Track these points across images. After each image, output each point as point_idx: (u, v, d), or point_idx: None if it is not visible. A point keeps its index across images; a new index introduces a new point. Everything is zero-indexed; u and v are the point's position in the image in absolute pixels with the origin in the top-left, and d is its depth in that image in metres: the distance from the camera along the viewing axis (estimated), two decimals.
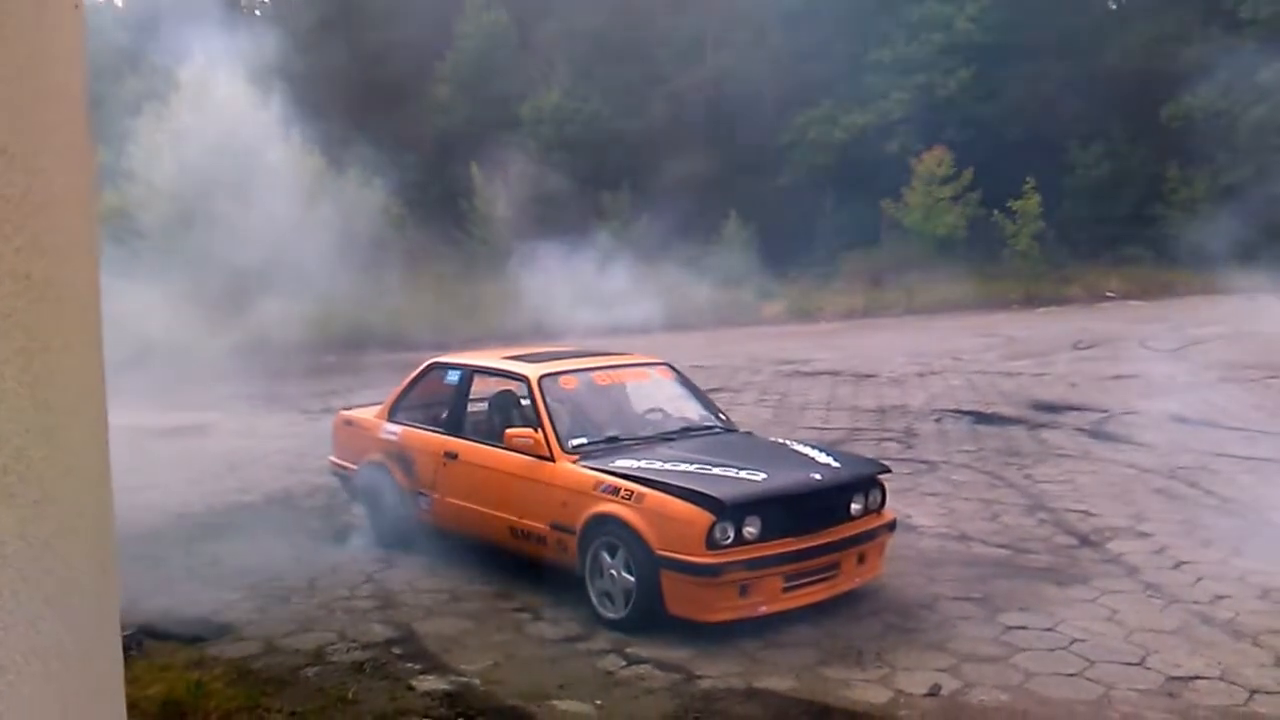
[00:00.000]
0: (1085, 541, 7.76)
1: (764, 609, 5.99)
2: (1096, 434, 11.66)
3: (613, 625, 6.14)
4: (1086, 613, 6.32)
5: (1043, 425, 12.23)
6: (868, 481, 6.65)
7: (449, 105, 38.81)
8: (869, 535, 6.54)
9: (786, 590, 6.08)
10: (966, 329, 22.70)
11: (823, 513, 6.30)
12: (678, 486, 6.06)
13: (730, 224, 32.47)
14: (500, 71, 38.60)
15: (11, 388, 1.57)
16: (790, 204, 35.04)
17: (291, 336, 17.25)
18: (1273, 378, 14.94)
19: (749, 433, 7.93)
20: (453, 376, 7.93)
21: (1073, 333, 20.96)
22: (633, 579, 6.06)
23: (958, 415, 12.94)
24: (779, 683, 5.39)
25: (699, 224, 31.42)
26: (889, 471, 7.04)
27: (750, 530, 5.95)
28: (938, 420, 12.69)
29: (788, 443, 7.56)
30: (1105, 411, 12.92)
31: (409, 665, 5.72)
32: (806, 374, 16.96)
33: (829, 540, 6.24)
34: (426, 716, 5.02)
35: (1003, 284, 29.43)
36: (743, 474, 6.26)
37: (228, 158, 20.44)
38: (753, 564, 5.92)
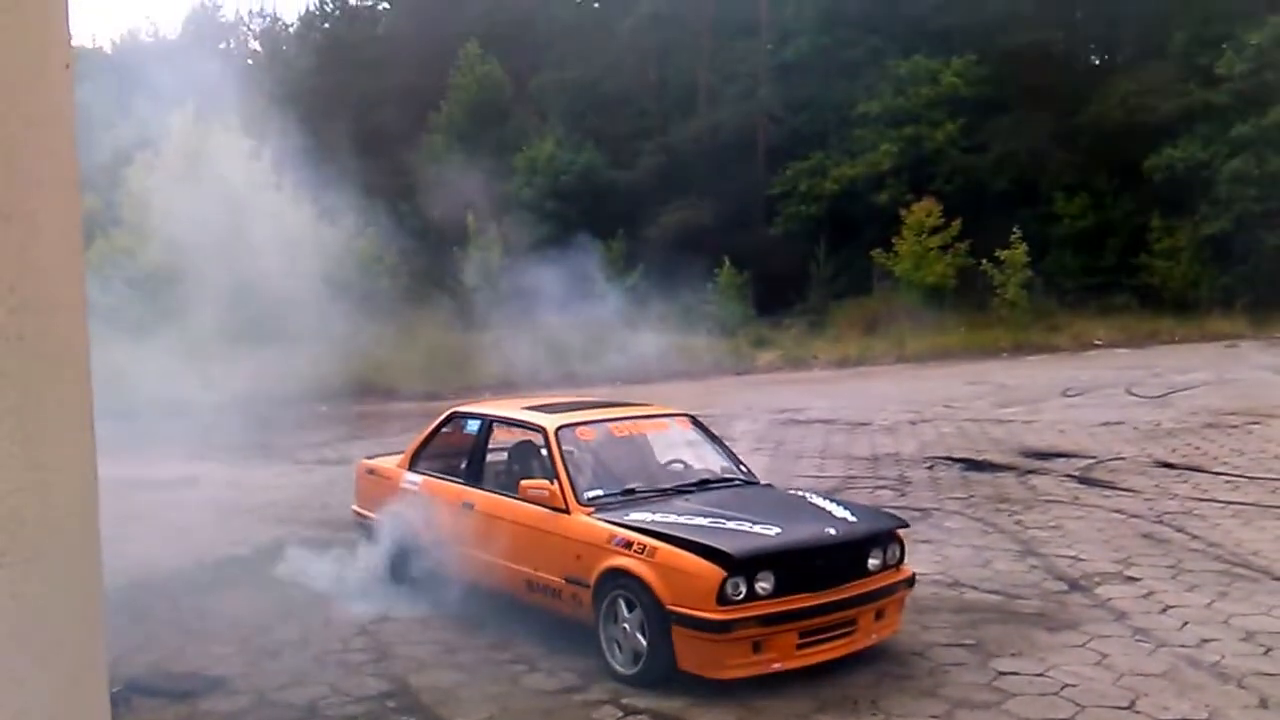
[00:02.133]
0: (1075, 586, 7.80)
1: (778, 665, 5.86)
2: (1085, 480, 11.71)
3: (625, 680, 6.05)
4: (1077, 657, 6.35)
5: (1032, 471, 12.28)
6: (885, 536, 6.50)
7: (443, 154, 39.10)
8: (887, 591, 6.39)
9: (801, 647, 5.95)
10: (957, 377, 22.79)
11: (839, 568, 6.15)
12: (690, 540, 5.96)
13: (724, 273, 32.65)
14: (494, 121, 38.93)
15: (5, 447, 1.58)
16: (782, 253, 35.30)
17: (283, 387, 17.22)
18: (1254, 423, 15.04)
19: (769, 485, 7.72)
20: (472, 426, 7.90)
21: (1061, 380, 21.04)
22: (645, 634, 5.97)
23: (949, 462, 12.98)
24: None
25: (693, 273, 31.59)
26: (907, 526, 6.86)
27: (763, 586, 5.83)
28: (930, 467, 12.73)
29: (807, 495, 7.39)
30: (1093, 458, 12.98)
31: (403, 719, 5.70)
32: (801, 422, 17.01)
33: (845, 596, 6.10)
34: None
35: (992, 332, 29.58)
36: (756, 528, 6.14)
37: (218, 207, 20.47)
38: (765, 620, 5.80)
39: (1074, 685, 5.91)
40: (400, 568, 7.86)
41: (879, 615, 6.36)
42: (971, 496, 11.07)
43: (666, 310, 29.20)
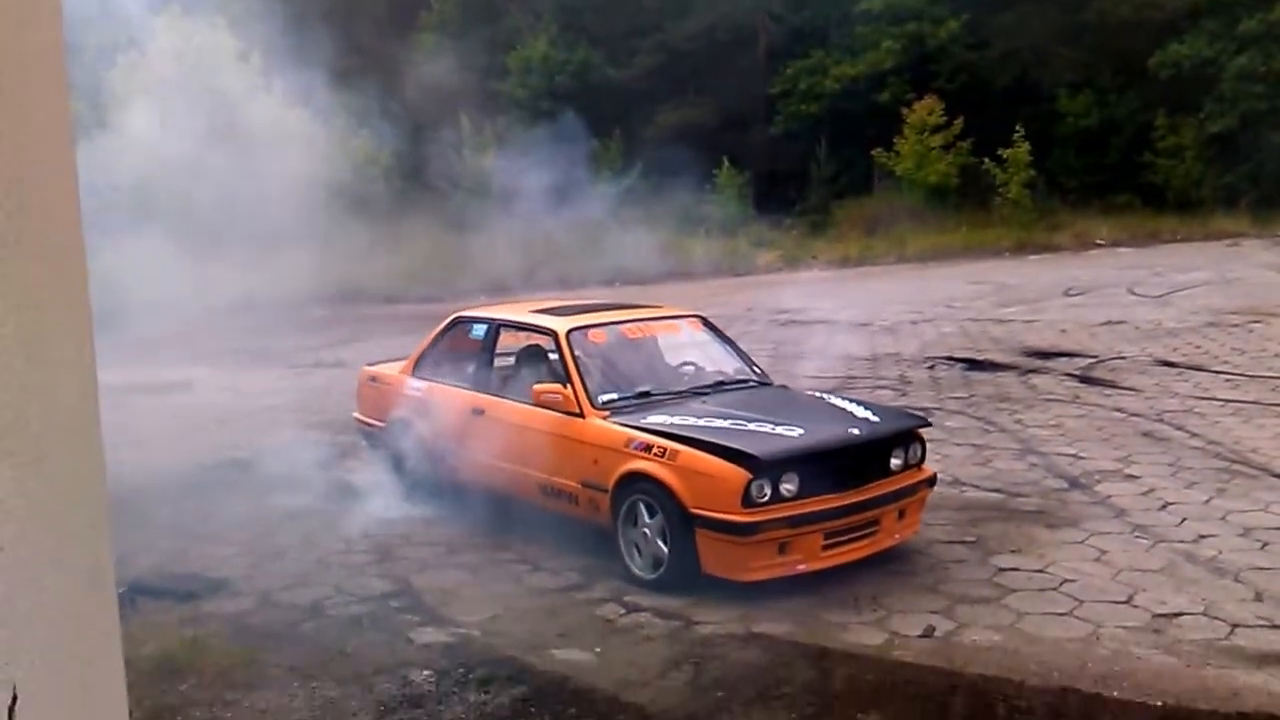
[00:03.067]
0: (1075, 484, 7.84)
1: (803, 567, 5.85)
2: (1085, 379, 11.72)
3: (647, 585, 6.02)
4: (1076, 554, 6.41)
5: (1033, 371, 12.29)
6: (907, 436, 6.46)
7: (435, 55, 38.46)
8: (909, 490, 6.38)
9: (826, 548, 5.94)
10: (959, 276, 22.72)
11: (862, 468, 6.12)
12: (713, 443, 5.89)
13: (723, 173, 32.33)
14: (487, 19, 38.25)
15: (8, 347, 1.58)
16: (782, 154, 34.91)
17: (277, 291, 17.10)
18: (1255, 322, 15.02)
19: (784, 386, 7.66)
20: (478, 331, 7.75)
21: (1063, 280, 20.98)
22: (666, 539, 5.93)
23: (950, 362, 12.99)
24: (776, 627, 5.45)
25: (692, 173, 31.29)
26: (929, 424, 6.85)
27: (788, 487, 5.79)
28: (930, 367, 12.73)
29: (825, 396, 7.36)
30: (1094, 357, 12.98)
31: (407, 618, 5.75)
32: (801, 323, 16.98)
33: (869, 496, 6.08)
34: (426, 668, 5.06)
35: (994, 232, 29.40)
36: (779, 429, 6.07)
37: (206, 109, 20.15)
38: (791, 521, 5.76)
39: (1073, 581, 5.98)
40: (403, 474, 7.84)
41: (901, 515, 6.35)
42: (972, 396, 11.09)
43: (664, 211, 28.99)
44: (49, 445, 1.67)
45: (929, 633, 5.36)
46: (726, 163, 32.28)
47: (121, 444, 8.24)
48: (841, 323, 16.73)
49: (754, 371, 7.47)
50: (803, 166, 34.66)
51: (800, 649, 5.22)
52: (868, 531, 6.14)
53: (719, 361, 7.52)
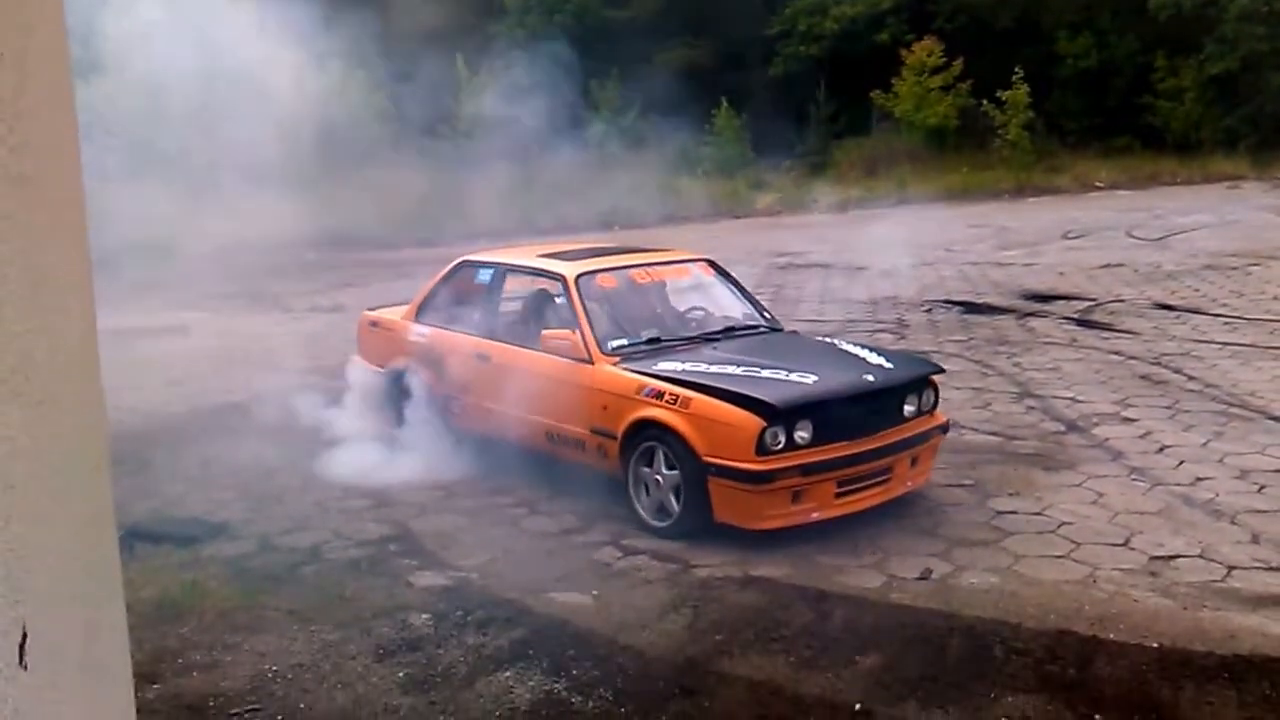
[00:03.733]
0: (1072, 427, 7.86)
1: (816, 515, 5.81)
2: (1083, 322, 11.72)
3: (659, 533, 5.97)
4: (1073, 496, 6.44)
5: (1032, 314, 12.29)
6: (920, 382, 6.39)
7: None
8: (922, 438, 6.31)
9: (839, 496, 5.90)
10: (958, 219, 22.63)
11: (875, 415, 6.05)
12: (726, 390, 5.82)
13: (722, 115, 32.08)
14: None
15: (13, 289, 1.58)
16: (781, 95, 34.62)
17: (271, 234, 16.98)
18: (1254, 265, 15.00)
19: (795, 332, 7.56)
20: (484, 275, 7.60)
21: (1062, 222, 20.92)
22: (679, 487, 5.88)
23: (949, 305, 12.97)
24: (774, 570, 5.48)
25: (690, 115, 31.03)
26: (942, 371, 6.78)
27: (802, 435, 5.73)
28: (929, 311, 12.72)
29: (837, 342, 7.24)
30: (1092, 300, 12.98)
31: (406, 562, 5.77)
32: (800, 266, 16.95)
33: (882, 444, 6.01)
34: (425, 611, 5.09)
35: (993, 174, 29.23)
36: (793, 376, 5.99)
37: (200, 49, 19.93)
38: (805, 469, 5.71)
39: (1070, 523, 6.01)
40: (403, 419, 7.74)
41: (914, 462, 6.30)
42: (970, 339, 11.08)
43: (663, 152, 28.77)
44: (53, 387, 1.67)
45: (926, 575, 5.39)
46: (725, 104, 32.03)
47: (119, 388, 8.24)
48: (840, 266, 16.69)
49: (764, 317, 7.38)
50: (801, 108, 34.40)
51: (798, 591, 5.24)
52: (881, 479, 6.08)
53: (729, 306, 7.42)
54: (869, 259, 16.99)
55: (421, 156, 25.93)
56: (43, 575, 1.64)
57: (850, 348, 6.89)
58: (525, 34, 35.16)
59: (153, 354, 11.08)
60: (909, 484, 6.33)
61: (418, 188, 23.43)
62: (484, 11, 35.04)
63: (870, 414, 6.03)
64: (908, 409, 6.23)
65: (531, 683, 4.41)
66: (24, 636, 1.59)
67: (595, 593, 5.29)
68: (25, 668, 1.59)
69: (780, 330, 7.30)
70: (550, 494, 6.71)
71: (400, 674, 4.51)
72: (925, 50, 31.78)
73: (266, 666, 4.60)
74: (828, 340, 7.42)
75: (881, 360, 6.50)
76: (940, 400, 6.59)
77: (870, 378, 6.18)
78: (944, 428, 6.59)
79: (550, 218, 22.09)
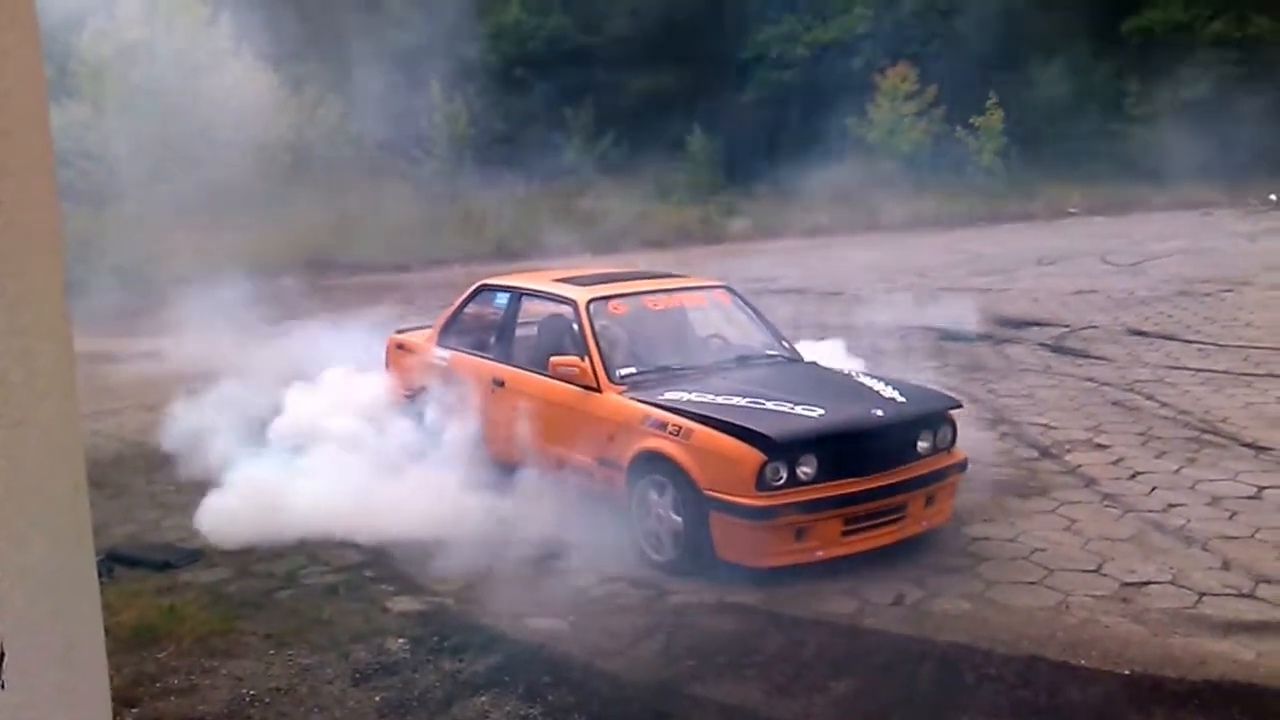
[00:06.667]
0: (1046, 454, 7.91)
1: (821, 554, 5.61)
2: (1057, 348, 11.81)
3: (660, 569, 5.81)
4: (1046, 523, 6.48)
5: (1006, 340, 12.37)
6: (936, 418, 6.15)
7: (406, 21, 38.09)
8: (937, 475, 6.04)
9: (846, 534, 5.69)
10: (932, 245, 22.78)
11: (886, 451, 5.82)
12: (727, 422, 5.64)
13: (695, 141, 32.26)
14: None
15: None
16: (754, 120, 34.86)
17: (246, 259, 16.90)
18: (1227, 291, 15.16)
19: (813, 362, 7.22)
20: (501, 299, 7.54)
21: (1036, 248, 21.09)
22: (680, 521, 5.72)
23: (923, 331, 13.04)
24: (748, 596, 5.48)
25: (663, 140, 31.19)
26: (960, 406, 6.48)
27: (805, 470, 5.55)
28: (903, 337, 12.78)
29: (853, 374, 6.97)
30: (1066, 326, 13.08)
31: (383, 587, 5.76)
32: (774, 291, 16.98)
33: (893, 481, 5.78)
34: (401, 636, 5.07)
35: (967, 200, 29.48)
36: (799, 409, 5.80)
37: (176, 75, 19.89)
38: (808, 506, 5.52)
39: (1043, 550, 6.04)
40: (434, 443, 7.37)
41: (929, 501, 6.06)
42: (945, 365, 11.14)
43: (637, 178, 28.83)
44: (30, 410, 1.68)
45: (899, 601, 5.40)
46: (698, 130, 32.22)
47: (94, 414, 8.20)
48: (814, 291, 16.76)
49: (782, 346, 7.23)
50: (775, 134, 34.63)
51: (772, 617, 5.25)
52: (893, 518, 5.87)
53: (746, 334, 7.30)
54: (842, 284, 17.08)
55: (396, 180, 25.94)
56: (21, 596, 1.65)
57: (866, 380, 6.65)
58: (500, 60, 35.31)
59: (127, 379, 11.02)
60: (924, 523, 6.07)
61: (393, 212, 23.43)
62: (459, 39, 35.13)
63: (880, 450, 5.81)
64: (922, 445, 6.01)
65: (507, 708, 4.40)
66: (1, 656, 1.60)
67: (571, 618, 5.28)
68: (3, 687, 1.60)
69: (798, 360, 7.13)
70: (528, 519, 6.66)
71: (377, 698, 4.49)
72: (899, 76, 32.09)
73: (244, 690, 4.59)
74: (845, 372, 7.14)
75: (895, 394, 6.24)
76: (958, 435, 6.35)
77: (879, 412, 5.96)
78: (962, 465, 6.31)
79: (524, 242, 22.10)
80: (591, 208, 24.37)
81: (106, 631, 1.97)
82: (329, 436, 7.36)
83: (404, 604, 5.50)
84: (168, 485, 7.57)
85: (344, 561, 6.14)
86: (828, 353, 8.19)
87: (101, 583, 5.42)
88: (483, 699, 4.48)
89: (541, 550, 6.19)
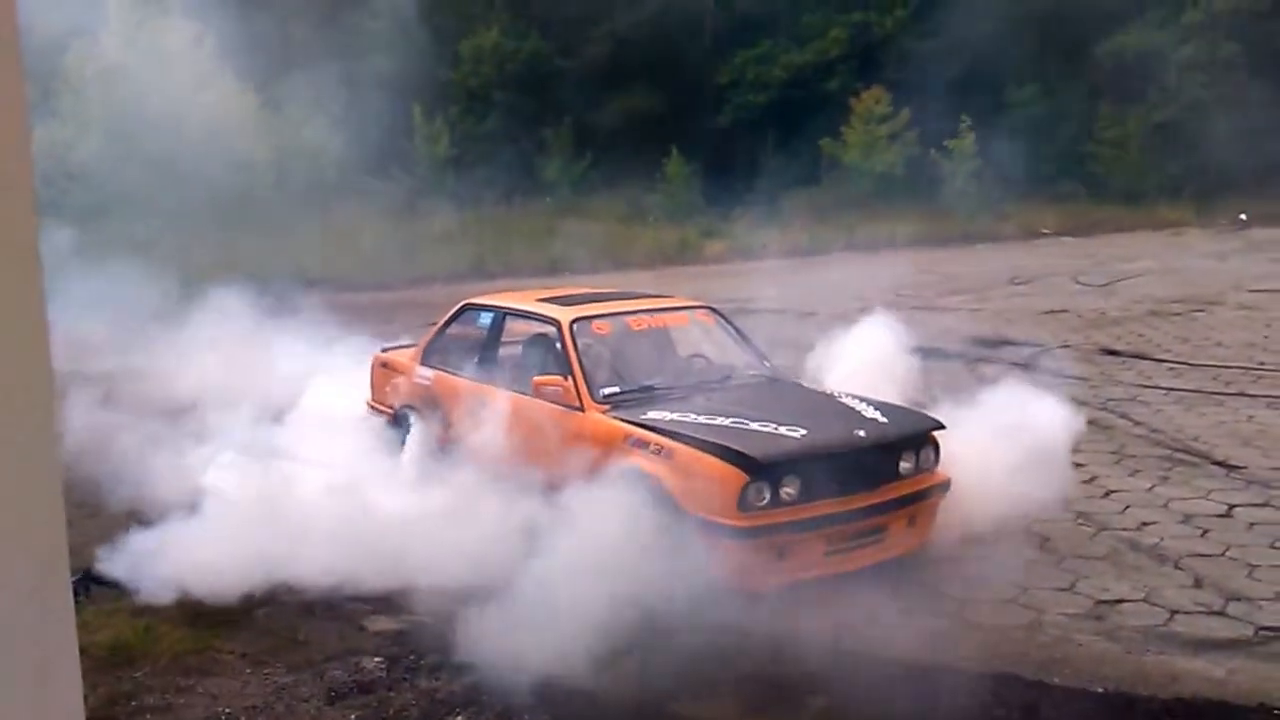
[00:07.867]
0: None
1: (804, 575, 5.61)
2: (1031, 368, 11.88)
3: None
4: (1020, 541, 6.50)
5: (980, 360, 12.44)
6: (919, 438, 6.13)
7: (387, 43, 38.13)
8: (919, 496, 6.05)
9: (830, 554, 5.69)
10: (906, 265, 22.89)
11: (869, 472, 5.81)
12: (710, 442, 5.61)
13: (672, 163, 32.38)
14: (438, 8, 38.01)
15: None
16: (731, 142, 35.04)
17: (227, 279, 16.83)
18: (1198, 311, 15.31)
19: (797, 382, 7.25)
20: (484, 319, 7.55)
21: (1009, 269, 21.24)
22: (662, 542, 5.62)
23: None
24: (726, 615, 5.46)
25: (641, 162, 31.30)
26: (943, 427, 6.35)
27: (788, 491, 5.53)
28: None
29: (837, 394, 6.83)
30: (1039, 346, 13.17)
31: (359, 606, 5.74)
32: (751, 312, 17.01)
33: (875, 502, 5.78)
34: (377, 655, 5.07)
35: (941, 221, 29.62)
36: (781, 429, 5.77)
37: (159, 96, 19.87)
38: (791, 527, 5.51)
39: (1017, 568, 6.07)
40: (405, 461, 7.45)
41: (911, 522, 6.07)
42: (919, 384, 11.16)
43: (614, 200, 28.88)
44: (7, 428, 1.69)
45: (874, 619, 5.41)
46: (675, 152, 32.35)
47: (73, 432, 8.13)
48: (790, 312, 16.82)
49: (765, 366, 7.24)
50: (751, 155, 34.78)
51: (749, 636, 5.26)
52: (874, 538, 5.88)
53: (729, 355, 7.32)
54: (818, 305, 17.14)
55: (376, 201, 25.94)
56: None
57: (850, 400, 6.58)
58: (479, 83, 35.40)
59: (106, 397, 10.90)
60: (905, 545, 6.09)
61: (372, 232, 23.43)
62: (439, 61, 35.21)
63: (863, 470, 5.81)
64: (904, 466, 6.02)
65: None
66: None
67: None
68: None
69: (781, 380, 7.14)
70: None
71: (352, 717, 4.50)
72: (873, 98, 32.31)
73: (220, 709, 4.58)
74: (828, 392, 7.02)
75: (877, 414, 6.22)
76: (941, 456, 6.31)
77: (861, 432, 5.94)
78: (945, 486, 6.25)
79: (501, 263, 22.12)
80: (570, 229, 24.38)
81: (83, 651, 1.97)
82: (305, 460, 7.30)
83: (381, 623, 5.50)
84: (145, 504, 7.49)
85: (320, 580, 6.11)
86: (873, 325, 8.60)
87: (77, 602, 5.41)
88: (459, 718, 4.48)
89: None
